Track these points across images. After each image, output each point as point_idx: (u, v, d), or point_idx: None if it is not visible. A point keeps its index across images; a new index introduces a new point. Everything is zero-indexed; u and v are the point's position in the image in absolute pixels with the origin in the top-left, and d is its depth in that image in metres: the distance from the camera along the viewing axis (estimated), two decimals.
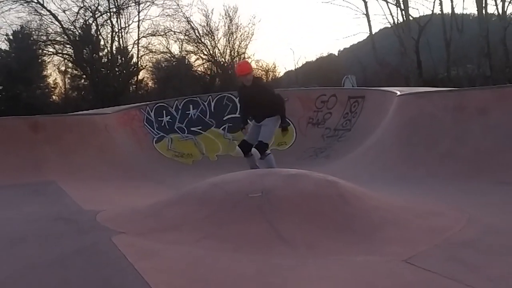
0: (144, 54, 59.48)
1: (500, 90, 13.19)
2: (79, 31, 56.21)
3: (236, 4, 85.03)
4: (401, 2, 48.98)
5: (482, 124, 12.03)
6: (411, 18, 49.24)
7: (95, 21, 56.44)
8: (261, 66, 66.44)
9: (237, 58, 60.75)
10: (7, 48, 60.02)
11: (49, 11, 53.98)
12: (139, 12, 56.94)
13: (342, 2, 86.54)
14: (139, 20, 57.30)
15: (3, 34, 58.65)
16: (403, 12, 49.34)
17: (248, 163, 12.84)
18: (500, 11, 46.26)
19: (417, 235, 6.53)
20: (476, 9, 45.76)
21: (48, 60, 59.61)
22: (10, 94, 56.45)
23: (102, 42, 58.54)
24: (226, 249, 6.01)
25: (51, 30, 55.36)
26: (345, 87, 28.67)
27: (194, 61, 61.85)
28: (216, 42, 59.60)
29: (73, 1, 57.87)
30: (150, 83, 64.78)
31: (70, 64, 60.03)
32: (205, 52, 59.73)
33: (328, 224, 6.67)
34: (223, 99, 23.06)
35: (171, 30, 57.90)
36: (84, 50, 56.81)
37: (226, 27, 60.43)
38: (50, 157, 14.07)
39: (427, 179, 11.23)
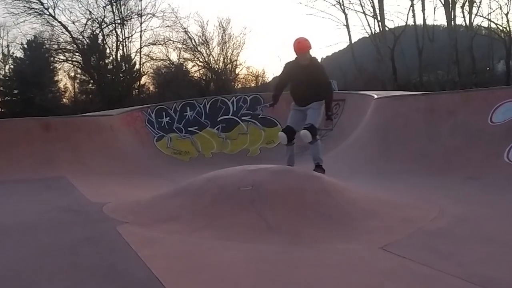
0: (145, 61, 59.42)
1: (467, 94, 13.25)
2: (87, 40, 56.02)
3: (229, 17, 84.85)
4: (378, 14, 49.08)
5: (451, 124, 12.07)
6: (387, 29, 49.29)
7: (101, 32, 56.30)
8: (251, 72, 66.74)
9: (230, 65, 61.13)
10: (22, 56, 59.90)
11: (60, 22, 53.85)
12: (141, 24, 56.88)
13: (324, 14, 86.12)
14: (141, 31, 57.21)
15: (18, 43, 58.75)
16: (380, 23, 49.41)
17: (287, 152, 11.32)
18: (467, 23, 46.54)
19: (392, 225, 6.55)
20: (446, 20, 46.00)
21: (59, 66, 59.54)
22: (25, 97, 56.34)
23: (108, 51, 58.44)
24: (219, 237, 6.02)
25: (61, 40, 55.25)
26: None
27: (191, 68, 61.78)
28: (211, 50, 59.53)
29: (81, 14, 58.35)
30: (151, 88, 64.69)
31: (79, 70, 59.87)
32: (201, 60, 59.65)
33: (312, 215, 6.68)
34: (217, 102, 23.03)
35: (170, 40, 57.72)
36: (92, 58, 56.62)
37: (220, 37, 60.30)
38: (60, 154, 14.03)
39: (402, 174, 11.25)
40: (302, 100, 10.81)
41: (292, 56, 10.78)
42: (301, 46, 10.52)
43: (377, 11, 49.17)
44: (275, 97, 11.37)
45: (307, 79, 10.45)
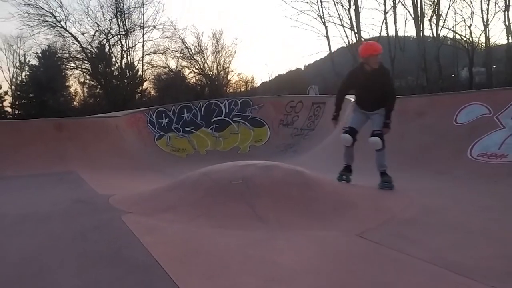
0: (147, 69, 59.35)
1: (434, 97, 13.31)
2: (95, 50, 55.92)
3: (222, 29, 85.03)
4: (355, 27, 49.05)
5: (420, 124, 12.14)
6: (362, 39, 49.24)
7: (108, 42, 56.14)
8: (242, 78, 67.06)
9: (223, 72, 61.32)
10: (37, 64, 60.26)
11: (71, 34, 53.72)
12: (143, 35, 56.72)
13: (307, 26, 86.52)
14: (143, 41, 57.12)
15: (34, 53, 59.08)
16: (356, 34, 49.40)
17: (347, 153, 9.69)
18: (435, 34, 46.62)
19: (367, 214, 6.57)
20: (415, 32, 46.08)
21: (70, 73, 59.50)
22: (39, 100, 56.46)
23: (113, 59, 58.26)
24: (213, 226, 6.01)
25: (72, 49, 55.13)
26: (310, 95, 28.58)
27: (188, 74, 61.62)
28: (206, 59, 59.44)
29: (90, 26, 57.97)
30: (152, 92, 64.56)
31: (87, 77, 59.84)
32: (197, 67, 59.52)
33: (295, 205, 6.69)
34: (211, 104, 23.08)
35: (169, 49, 57.65)
36: (99, 65, 56.49)
37: (214, 47, 60.23)
38: (71, 152, 14.03)
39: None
40: (369, 106, 9.47)
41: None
42: (375, 48, 9.09)
43: (354, 24, 49.28)
44: (338, 107, 9.93)
45: (373, 85, 9.07)
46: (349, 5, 49.13)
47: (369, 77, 9.02)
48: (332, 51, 55.86)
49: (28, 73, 61.33)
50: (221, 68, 61.18)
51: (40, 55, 59.14)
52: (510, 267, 4.26)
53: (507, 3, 40.99)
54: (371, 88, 9.06)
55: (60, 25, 53.27)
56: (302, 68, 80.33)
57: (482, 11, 44.98)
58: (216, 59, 60.57)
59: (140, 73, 59.89)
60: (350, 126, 9.52)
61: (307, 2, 55.03)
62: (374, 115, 9.31)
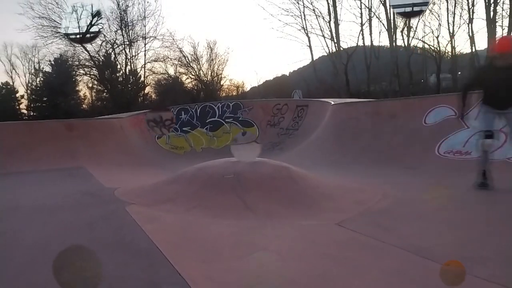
0: (148, 75, 59.01)
1: (405, 100, 13.36)
2: (102, 58, 55.53)
3: (215, 39, 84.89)
4: (334, 37, 49.11)
5: (393, 125, 12.18)
6: (341, 49, 49.44)
7: (113, 51, 55.77)
8: (233, 83, 67.15)
9: (216, 78, 61.41)
10: (50, 71, 59.95)
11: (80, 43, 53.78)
12: (145, 45, 56.34)
13: (291, 37, 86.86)
14: (145, 50, 56.75)
15: (47, 60, 58.76)
16: (336, 44, 49.39)
17: (485, 158, 7.86)
18: (406, 44, 46.84)
19: (346, 205, 6.59)
20: (389, 42, 46.30)
21: (80, 79, 59.15)
22: (52, 103, 56.25)
23: (118, 66, 57.77)
24: (208, 215, 6.03)
25: (81, 57, 54.64)
26: (294, 99, 28.60)
27: (185, 80, 61.40)
28: (201, 66, 59.26)
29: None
30: (153, 96, 64.04)
31: (95, 82, 59.38)
32: (193, 73, 59.31)
33: (282, 197, 6.71)
34: (206, 107, 23.04)
35: (168, 58, 57.34)
36: (106, 72, 56.19)
37: (208, 55, 60.21)
38: (81, 149, 13.99)
39: (353, 165, 11.30)
40: (502, 104, 7.77)
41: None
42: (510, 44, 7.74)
43: (334, 35, 49.26)
44: (464, 103, 8.17)
45: (507, 81, 7.56)
46: (329, 18, 49.14)
47: (502, 73, 7.56)
48: (314, 59, 56.00)
49: (42, 79, 61.13)
50: (215, 74, 61.16)
51: (52, 62, 58.82)
52: (466, 252, 4.30)
53: (471, 16, 41.19)
54: (505, 83, 7.62)
55: None
56: (287, 74, 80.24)
57: (448, 23, 45.27)
58: (210, 66, 60.54)
59: (142, 79, 59.63)
60: (489, 129, 7.93)
61: (291, 16, 55.36)
62: (510, 115, 7.78)
